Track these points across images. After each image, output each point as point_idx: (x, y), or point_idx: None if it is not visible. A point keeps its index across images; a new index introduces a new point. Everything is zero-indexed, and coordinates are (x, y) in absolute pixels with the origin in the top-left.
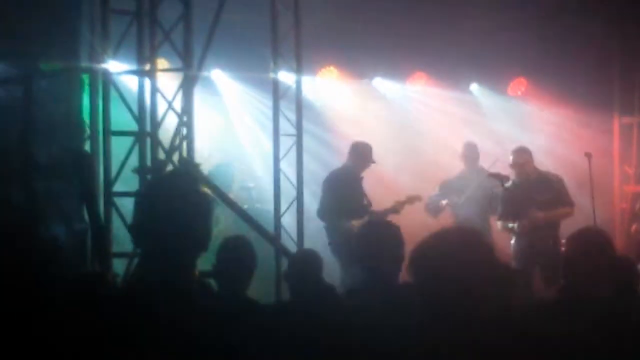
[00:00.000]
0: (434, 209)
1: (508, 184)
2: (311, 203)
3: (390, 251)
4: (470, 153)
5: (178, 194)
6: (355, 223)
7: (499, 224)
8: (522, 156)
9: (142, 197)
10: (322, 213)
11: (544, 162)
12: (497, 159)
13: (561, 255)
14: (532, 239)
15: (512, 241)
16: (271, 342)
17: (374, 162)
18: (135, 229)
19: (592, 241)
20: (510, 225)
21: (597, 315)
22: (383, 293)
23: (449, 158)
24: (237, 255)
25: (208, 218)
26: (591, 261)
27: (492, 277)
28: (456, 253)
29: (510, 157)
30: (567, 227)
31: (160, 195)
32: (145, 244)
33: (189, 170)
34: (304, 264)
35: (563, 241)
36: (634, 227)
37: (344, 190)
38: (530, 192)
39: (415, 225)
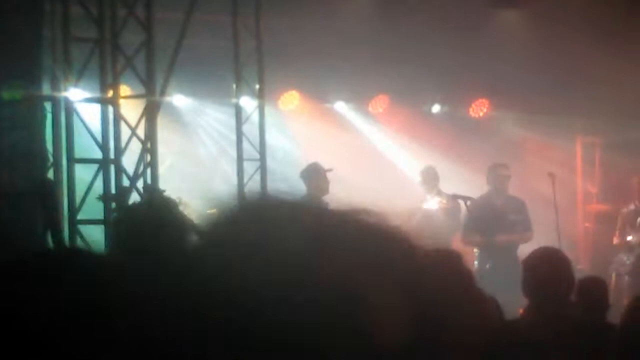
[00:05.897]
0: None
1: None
2: None
3: None
4: (429, 177)
5: (156, 225)
6: None
7: (463, 240)
8: (503, 171)
9: (117, 228)
10: None
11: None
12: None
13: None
14: (494, 259)
15: (476, 262)
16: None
17: (330, 170)
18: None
19: (550, 260)
20: (476, 250)
21: (564, 334)
22: None
23: (413, 182)
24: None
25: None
26: (552, 280)
27: (471, 302)
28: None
29: (489, 172)
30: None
31: (137, 227)
32: None
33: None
34: None
35: None
36: (615, 240)
37: None
38: (504, 211)
39: None
